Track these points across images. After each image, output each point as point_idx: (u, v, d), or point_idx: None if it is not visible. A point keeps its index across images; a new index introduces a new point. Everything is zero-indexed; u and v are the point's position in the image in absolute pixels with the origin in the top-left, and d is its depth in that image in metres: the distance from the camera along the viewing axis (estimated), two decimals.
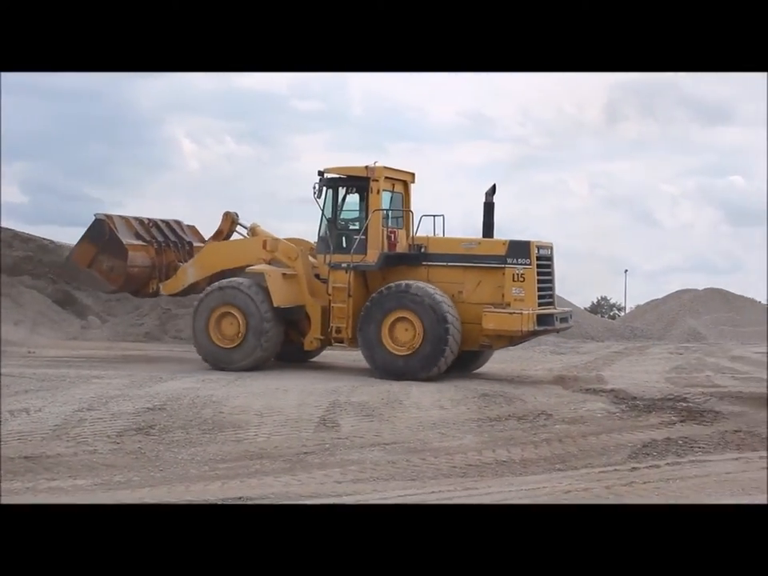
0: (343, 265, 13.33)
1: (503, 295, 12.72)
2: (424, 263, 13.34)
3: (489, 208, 13.54)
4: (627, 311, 44.00)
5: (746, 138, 63.18)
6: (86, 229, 14.92)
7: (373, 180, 13.34)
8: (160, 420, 9.51)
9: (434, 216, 13.89)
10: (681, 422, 10.55)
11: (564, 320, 13.86)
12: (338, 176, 13.85)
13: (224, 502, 5.63)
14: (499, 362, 15.47)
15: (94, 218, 14.78)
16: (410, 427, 9.82)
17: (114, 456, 8.34)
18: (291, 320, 13.71)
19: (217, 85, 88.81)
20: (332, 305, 13.43)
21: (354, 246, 13.37)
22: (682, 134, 61.39)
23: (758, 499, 6.91)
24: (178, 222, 15.98)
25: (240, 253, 14.41)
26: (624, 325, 29.19)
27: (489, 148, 67.88)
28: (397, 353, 12.85)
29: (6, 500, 5.53)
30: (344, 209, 14.06)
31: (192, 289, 14.72)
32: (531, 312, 12.62)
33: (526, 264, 12.75)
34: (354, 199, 14.07)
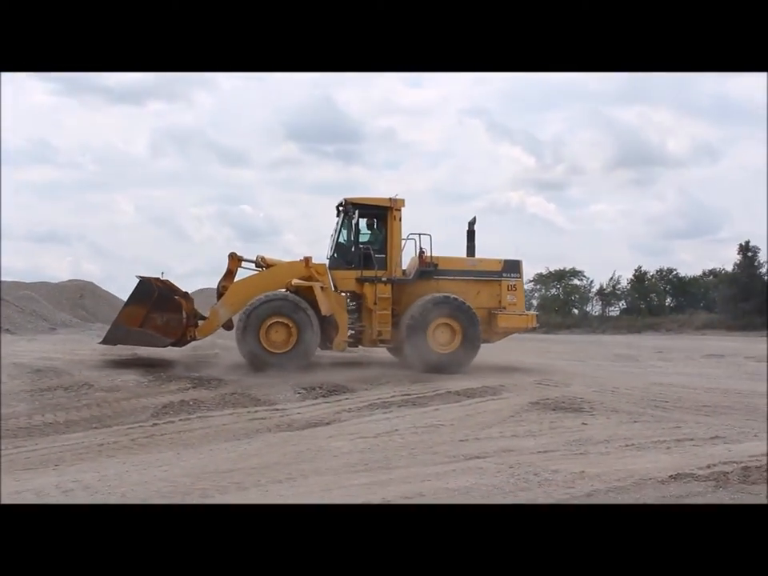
0: (383, 279, 15.30)
1: (500, 301, 15.66)
2: (434, 277, 15.62)
3: (471, 234, 16.16)
4: None
5: (255, 177, 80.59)
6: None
7: (395, 209, 15.52)
8: None
9: (420, 235, 15.82)
10: (193, 387, 12.29)
11: None
12: (360, 204, 15.62)
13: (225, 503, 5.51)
14: (52, 343, 16.32)
15: (138, 280, 14.50)
16: None
17: None
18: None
19: None
20: (375, 312, 15.23)
21: (379, 264, 15.38)
22: (206, 171, 76.58)
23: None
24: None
25: (279, 278, 15.19)
26: None
27: (52, 171, 74.62)
28: (440, 351, 14.95)
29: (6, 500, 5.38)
30: (362, 232, 15.84)
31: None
32: (533, 313, 16.53)
33: (516, 277, 15.90)
34: (372, 223, 15.89)
